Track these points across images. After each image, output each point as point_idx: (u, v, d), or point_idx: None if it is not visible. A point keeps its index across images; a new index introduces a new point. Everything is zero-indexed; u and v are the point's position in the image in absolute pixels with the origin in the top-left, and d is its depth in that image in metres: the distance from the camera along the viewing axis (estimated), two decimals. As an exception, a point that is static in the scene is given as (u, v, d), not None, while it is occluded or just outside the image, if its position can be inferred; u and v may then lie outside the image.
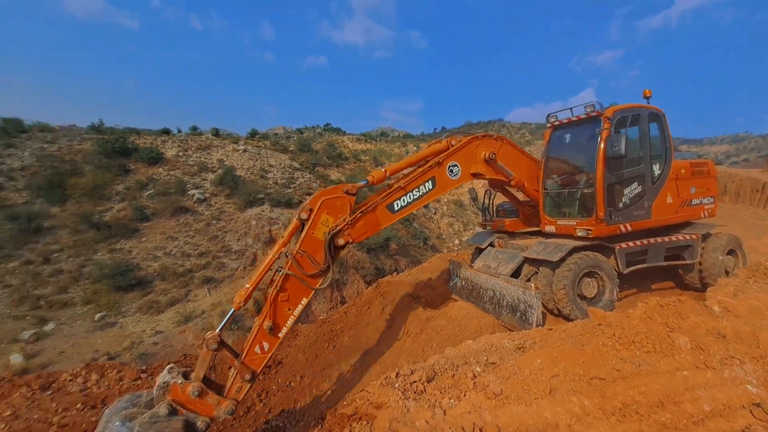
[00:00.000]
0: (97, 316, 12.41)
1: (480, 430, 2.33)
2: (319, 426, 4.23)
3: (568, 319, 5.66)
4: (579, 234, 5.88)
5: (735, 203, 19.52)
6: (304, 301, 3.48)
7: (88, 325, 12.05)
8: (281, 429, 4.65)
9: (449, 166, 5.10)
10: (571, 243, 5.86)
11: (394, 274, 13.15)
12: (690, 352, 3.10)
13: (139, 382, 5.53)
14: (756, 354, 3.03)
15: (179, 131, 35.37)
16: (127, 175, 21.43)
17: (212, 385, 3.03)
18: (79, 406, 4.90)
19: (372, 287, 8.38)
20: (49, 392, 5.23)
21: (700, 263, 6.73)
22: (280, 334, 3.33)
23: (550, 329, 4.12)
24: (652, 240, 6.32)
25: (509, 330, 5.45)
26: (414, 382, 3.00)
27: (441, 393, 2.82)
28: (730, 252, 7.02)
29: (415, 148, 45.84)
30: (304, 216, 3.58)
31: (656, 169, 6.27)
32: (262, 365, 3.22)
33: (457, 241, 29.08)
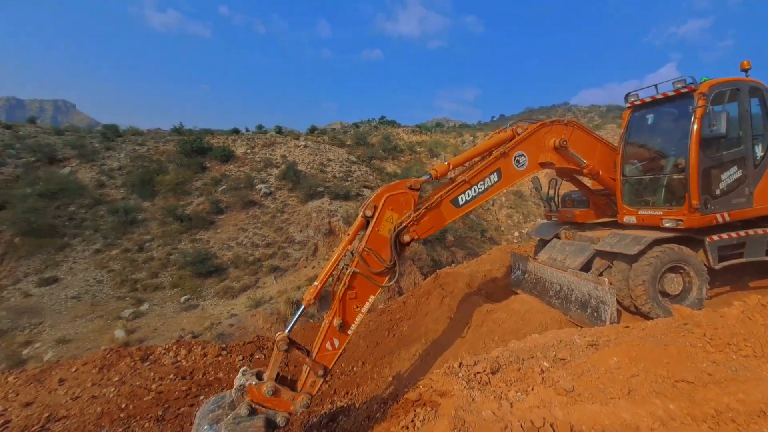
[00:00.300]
0: (183, 298, 13.90)
1: (551, 425, 2.25)
2: (383, 409, 4.38)
3: (646, 317, 5.21)
4: (667, 225, 5.32)
5: None
6: (372, 298, 3.50)
7: (175, 307, 13.55)
8: (345, 409, 4.88)
9: (515, 156, 4.84)
10: (652, 235, 5.34)
11: (452, 265, 13.00)
12: (803, 359, 2.70)
13: (219, 358, 6.12)
14: None
15: (247, 130, 37.92)
16: (204, 172, 23.51)
17: (286, 381, 3.18)
18: (171, 376, 5.56)
19: (430, 278, 8.39)
20: (147, 363, 5.99)
21: None
22: (349, 331, 3.37)
23: (627, 327, 3.82)
24: (750, 231, 5.54)
25: (577, 326, 5.15)
26: (478, 373, 2.98)
27: (507, 385, 2.76)
28: None
29: (472, 138, 44.48)
30: (368, 213, 3.58)
31: (758, 151, 5.46)
32: (334, 361, 3.30)
33: (516, 233, 27.89)
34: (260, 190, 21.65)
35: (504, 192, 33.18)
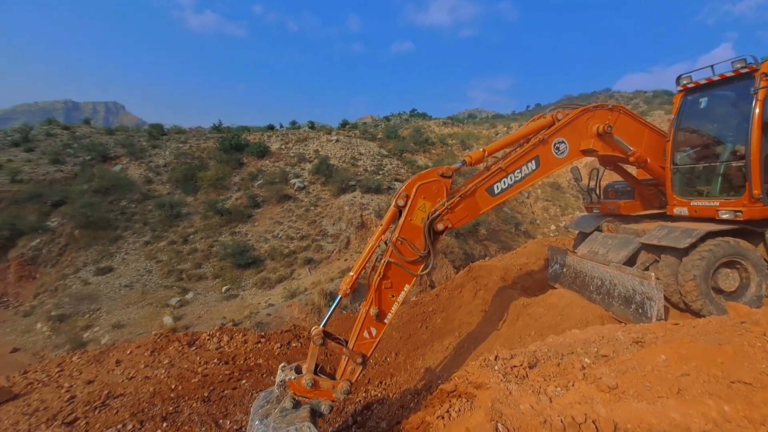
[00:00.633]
0: (224, 288, 14.61)
1: (593, 422, 2.18)
2: (416, 400, 4.42)
3: (697, 314, 4.89)
4: (723, 216, 4.94)
5: None
6: (407, 287, 3.49)
7: (217, 296, 14.27)
8: (379, 399, 4.96)
9: (555, 143, 4.58)
10: (704, 227, 4.98)
11: (486, 258, 12.79)
12: None
13: (259, 345, 6.40)
14: None
15: (281, 126, 38.92)
16: (242, 167, 24.44)
17: (325, 372, 3.27)
18: (215, 360, 5.88)
19: (464, 271, 8.30)
20: (194, 348, 6.36)
21: None
22: (386, 320, 3.40)
23: (676, 324, 3.61)
24: None
25: (621, 323, 4.93)
26: (515, 366, 2.93)
27: (545, 380, 2.70)
28: None
29: (506, 129, 43.17)
30: (401, 203, 3.55)
31: None
32: (372, 349, 3.35)
33: (553, 227, 26.92)
34: (294, 184, 22.22)
35: (540, 183, 32.06)
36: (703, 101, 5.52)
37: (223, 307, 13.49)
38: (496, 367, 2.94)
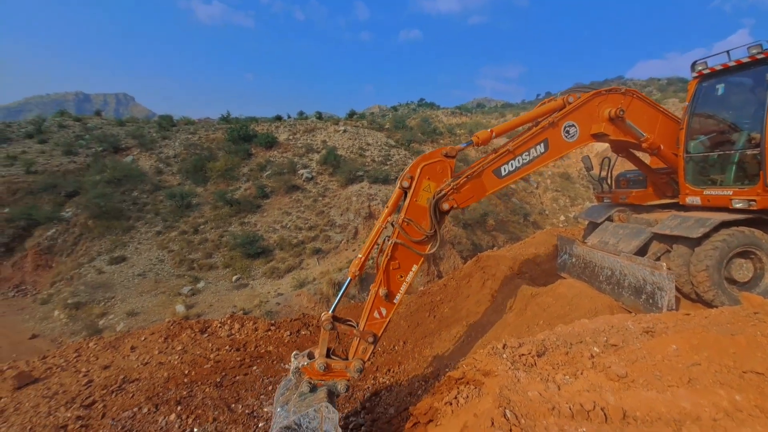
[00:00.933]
0: (234, 278, 14.82)
1: (602, 409, 2.18)
2: (424, 387, 4.47)
3: (709, 305, 4.84)
4: (737, 205, 4.85)
5: None
6: (415, 267, 3.54)
7: (228, 285, 14.49)
8: (388, 386, 5.03)
9: (565, 127, 4.49)
10: (718, 216, 4.89)
11: (494, 249, 12.74)
12: None
13: (269, 333, 6.51)
14: None
15: (289, 117, 38.88)
16: (250, 158, 24.55)
17: (337, 355, 3.36)
18: (227, 347, 6.00)
19: (471, 261, 8.28)
20: (206, 335, 6.49)
21: None
22: (395, 300, 3.47)
23: (688, 314, 3.57)
24: None
25: (630, 313, 4.90)
26: (523, 354, 2.93)
27: (554, 368, 2.71)
28: None
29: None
30: (405, 184, 3.57)
31: None
32: (383, 329, 3.41)
33: (562, 217, 26.65)
34: (302, 175, 22.28)
35: (549, 173, 31.67)
36: (719, 88, 5.37)
37: (233, 295, 13.71)
38: (504, 355, 2.95)
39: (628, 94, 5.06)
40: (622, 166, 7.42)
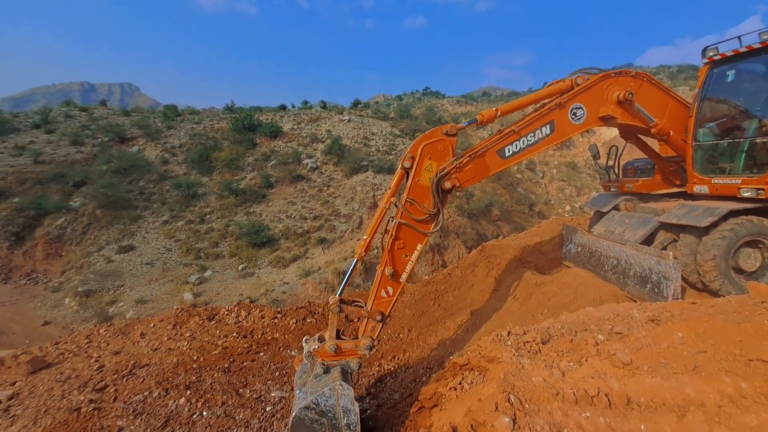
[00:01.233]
0: (240, 267, 14.97)
1: (606, 395, 2.20)
2: (428, 374, 4.52)
3: (715, 294, 4.82)
4: (745, 194, 4.79)
5: None
6: (420, 246, 3.57)
7: (234, 274, 14.65)
8: (392, 372, 5.10)
9: (572, 109, 4.41)
10: (727, 205, 4.84)
11: (499, 238, 12.72)
12: None
13: (275, 320, 6.59)
14: None
15: (293, 106, 38.69)
16: (255, 148, 24.55)
17: (346, 336, 3.49)
18: (234, 334, 6.09)
19: (476, 250, 8.28)
20: (213, 322, 6.59)
21: None
22: (401, 279, 3.53)
23: (694, 303, 3.56)
24: None
25: (636, 302, 4.89)
26: (527, 342, 2.95)
27: (558, 355, 2.72)
28: None
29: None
30: (407, 164, 3.57)
31: None
32: (390, 307, 3.49)
33: (568, 207, 26.47)
34: (307, 164, 22.27)
35: (556, 164, 31.37)
36: (730, 74, 5.26)
37: (240, 284, 13.87)
38: (509, 342, 2.97)
39: (638, 77, 4.96)
40: (630, 155, 7.33)
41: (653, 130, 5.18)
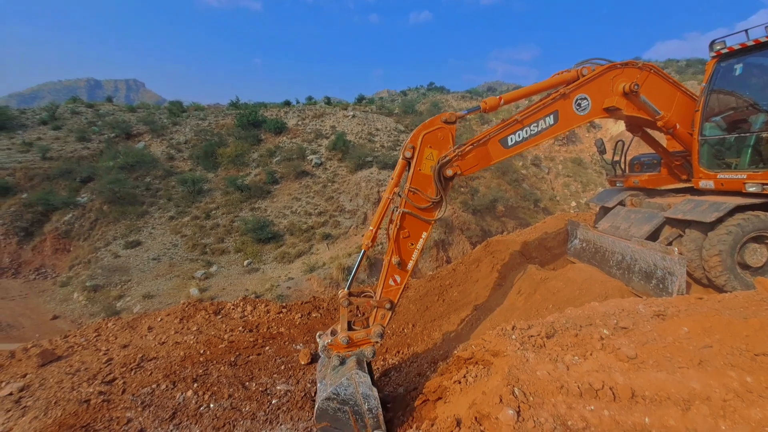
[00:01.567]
0: (245, 262, 15.06)
1: (610, 389, 2.21)
2: (433, 368, 4.54)
3: (720, 290, 4.79)
4: (750, 189, 4.74)
5: None
6: (425, 234, 3.63)
7: (240, 269, 14.74)
8: (397, 366, 5.13)
9: (577, 99, 4.39)
10: (733, 201, 4.80)
11: (504, 233, 12.69)
12: None
13: (280, 315, 6.65)
14: None
15: (297, 102, 38.66)
16: (260, 144, 24.60)
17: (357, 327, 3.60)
18: (240, 328, 6.16)
19: (481, 246, 8.28)
20: (220, 316, 6.66)
21: None
22: (408, 268, 3.59)
23: (701, 298, 3.55)
24: None
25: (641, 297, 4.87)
26: (532, 336, 2.96)
27: (563, 349, 2.73)
28: None
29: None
30: (408, 154, 3.61)
31: None
32: (398, 295, 3.56)
33: (574, 203, 26.30)
34: (311, 160, 22.28)
35: (561, 160, 31.13)
36: (738, 68, 5.19)
37: (245, 279, 13.96)
38: (514, 337, 2.98)
39: (645, 69, 4.90)
40: (638, 150, 7.27)
41: (659, 123, 5.12)
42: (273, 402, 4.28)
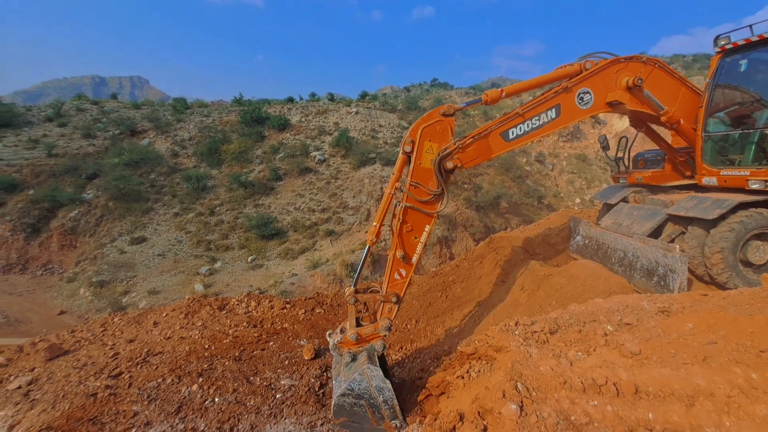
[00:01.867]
0: (249, 258, 15.14)
1: (614, 384, 2.21)
2: (436, 363, 4.56)
3: (722, 287, 4.76)
4: (753, 186, 4.70)
5: None
6: (428, 227, 3.64)
7: (244, 265, 14.82)
8: (400, 362, 5.15)
9: (579, 93, 4.34)
10: (736, 198, 4.75)
11: (507, 230, 12.67)
12: None
13: (284, 310, 6.68)
14: None
15: (300, 98, 38.63)
16: (263, 140, 24.64)
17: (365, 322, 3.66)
18: (244, 324, 6.20)
19: (484, 242, 8.27)
20: (224, 312, 6.71)
21: None
22: (412, 261, 3.62)
23: (705, 294, 3.53)
24: None
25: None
26: (535, 332, 2.96)
27: (566, 345, 2.73)
28: None
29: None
30: (407, 149, 3.61)
31: None
32: (404, 289, 3.60)
33: (578, 200, 26.17)
34: (315, 157, 22.30)
35: (566, 156, 30.95)
36: (743, 64, 5.13)
37: (249, 275, 14.04)
38: (517, 332, 2.98)
39: (649, 63, 4.85)
40: (642, 146, 7.21)
41: (663, 118, 5.07)
42: (277, 396, 4.32)
